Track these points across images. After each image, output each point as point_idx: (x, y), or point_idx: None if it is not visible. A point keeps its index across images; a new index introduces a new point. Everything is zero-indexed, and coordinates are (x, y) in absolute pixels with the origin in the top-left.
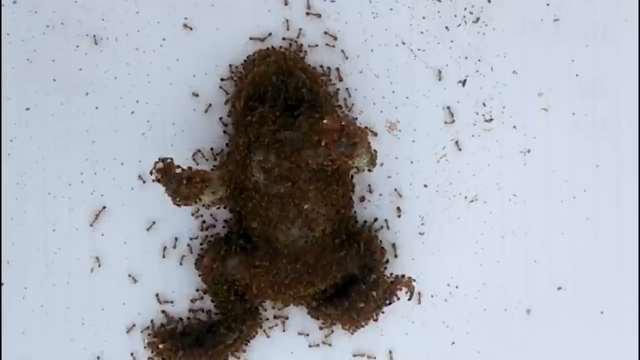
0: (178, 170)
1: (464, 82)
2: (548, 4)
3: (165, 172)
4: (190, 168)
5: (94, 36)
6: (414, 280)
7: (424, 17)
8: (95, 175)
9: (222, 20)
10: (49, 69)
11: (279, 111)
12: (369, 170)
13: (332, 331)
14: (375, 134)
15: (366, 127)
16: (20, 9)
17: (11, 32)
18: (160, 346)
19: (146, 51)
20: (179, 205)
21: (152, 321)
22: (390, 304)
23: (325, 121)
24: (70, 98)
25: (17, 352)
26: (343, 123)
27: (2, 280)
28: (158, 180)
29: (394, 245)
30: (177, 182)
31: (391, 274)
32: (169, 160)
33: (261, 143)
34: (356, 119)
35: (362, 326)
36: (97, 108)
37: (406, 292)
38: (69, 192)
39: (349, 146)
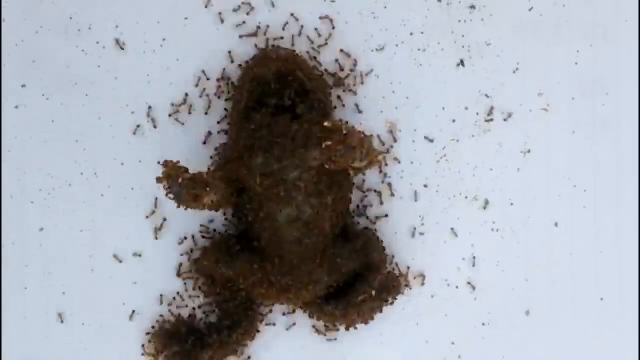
0: (179, 173)
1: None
2: (548, 3)
3: (169, 175)
4: (187, 170)
5: (94, 36)
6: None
7: (424, 17)
8: (95, 175)
9: (222, 20)
10: (49, 69)
11: (279, 113)
12: (366, 172)
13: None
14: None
15: (362, 131)
16: (21, 8)
17: (11, 31)
18: (161, 356)
19: (146, 51)
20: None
21: (152, 327)
22: (388, 301)
23: (325, 124)
24: (70, 98)
25: (17, 352)
26: (344, 129)
27: (2, 280)
28: (160, 182)
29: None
30: (178, 184)
31: (388, 272)
32: (171, 162)
33: (261, 145)
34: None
35: (363, 323)
36: (96, 108)
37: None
38: (69, 192)
39: (349, 148)
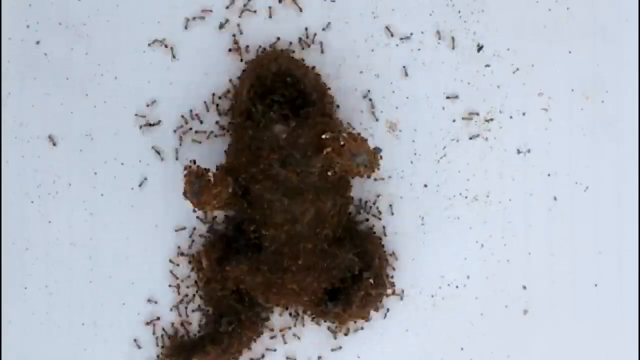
0: (203, 173)
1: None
2: (549, 4)
3: (194, 174)
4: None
5: (94, 36)
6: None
7: (424, 17)
8: (95, 175)
9: (222, 21)
10: (48, 69)
11: (281, 115)
12: (369, 176)
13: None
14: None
15: (361, 136)
16: (21, 8)
17: (11, 31)
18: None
19: (146, 51)
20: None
21: (162, 335)
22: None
23: (323, 136)
24: (70, 98)
25: (17, 352)
26: (342, 139)
27: (2, 280)
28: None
29: (393, 253)
30: (200, 184)
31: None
32: (192, 165)
33: (264, 150)
34: (357, 132)
35: (363, 320)
36: (96, 108)
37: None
38: (69, 192)
39: (349, 155)
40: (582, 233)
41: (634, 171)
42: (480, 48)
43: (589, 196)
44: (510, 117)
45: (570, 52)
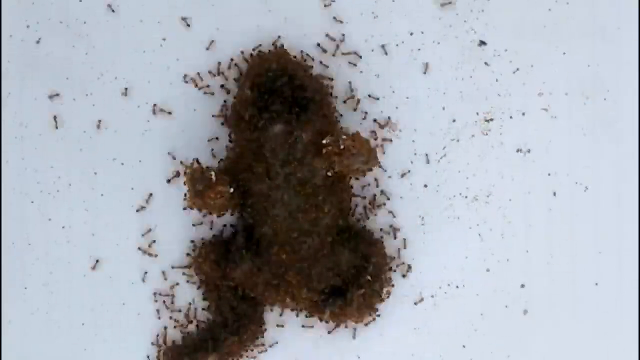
0: (205, 172)
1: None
2: (549, 4)
3: (196, 173)
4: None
5: (94, 36)
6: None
7: (424, 17)
8: (95, 175)
9: (223, 21)
10: (49, 69)
11: (281, 115)
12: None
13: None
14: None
15: (360, 137)
16: (21, 8)
17: (11, 31)
18: None
19: (146, 51)
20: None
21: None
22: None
23: (324, 141)
24: (70, 98)
25: (17, 352)
26: (342, 142)
27: (2, 280)
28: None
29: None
30: (202, 183)
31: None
32: (194, 164)
33: (264, 151)
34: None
35: (362, 319)
36: (96, 108)
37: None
38: (69, 192)
39: (349, 155)
40: (582, 233)
41: (634, 171)
42: (481, 43)
43: (589, 196)
44: (510, 117)
45: (570, 52)
